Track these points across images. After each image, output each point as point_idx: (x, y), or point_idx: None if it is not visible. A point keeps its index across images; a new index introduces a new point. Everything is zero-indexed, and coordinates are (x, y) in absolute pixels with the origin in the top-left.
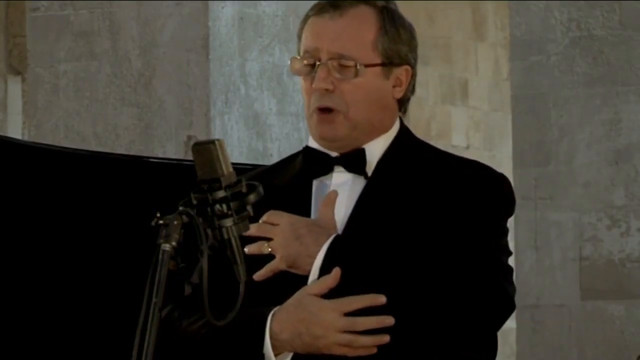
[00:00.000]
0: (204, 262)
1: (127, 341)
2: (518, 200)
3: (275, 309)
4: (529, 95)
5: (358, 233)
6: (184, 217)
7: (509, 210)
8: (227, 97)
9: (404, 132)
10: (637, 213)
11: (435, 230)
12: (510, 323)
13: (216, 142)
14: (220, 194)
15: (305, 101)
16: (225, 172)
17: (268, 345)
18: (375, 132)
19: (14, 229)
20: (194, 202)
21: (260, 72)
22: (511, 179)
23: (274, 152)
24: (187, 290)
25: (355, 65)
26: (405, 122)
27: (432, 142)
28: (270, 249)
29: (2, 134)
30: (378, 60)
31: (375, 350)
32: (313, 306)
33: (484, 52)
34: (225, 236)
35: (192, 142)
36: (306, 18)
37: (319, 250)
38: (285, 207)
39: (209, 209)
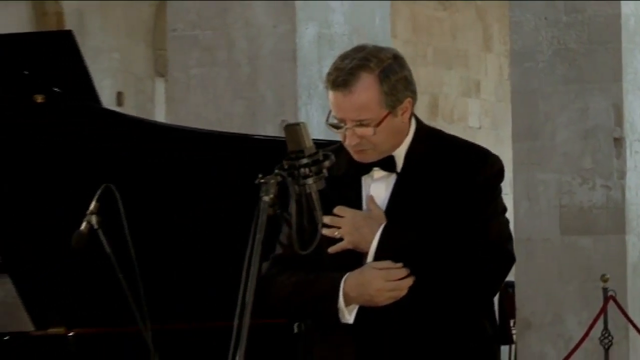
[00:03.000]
0: (293, 208)
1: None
2: (516, 166)
3: (347, 275)
4: (523, 91)
5: (396, 217)
6: (278, 177)
7: (500, 178)
8: (309, 92)
9: (418, 129)
10: (601, 174)
11: (449, 203)
12: None
13: (301, 124)
14: (304, 161)
15: (340, 136)
16: (307, 145)
17: (341, 299)
18: (399, 142)
19: (162, 190)
20: (285, 166)
21: None
22: (511, 150)
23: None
24: (284, 231)
25: (377, 124)
26: (435, 111)
27: (454, 125)
28: (339, 235)
29: (151, 119)
30: (386, 112)
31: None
32: (369, 275)
33: (491, 60)
34: (307, 190)
35: (284, 125)
36: (327, 84)
37: (373, 238)
38: (343, 195)
39: (295, 172)
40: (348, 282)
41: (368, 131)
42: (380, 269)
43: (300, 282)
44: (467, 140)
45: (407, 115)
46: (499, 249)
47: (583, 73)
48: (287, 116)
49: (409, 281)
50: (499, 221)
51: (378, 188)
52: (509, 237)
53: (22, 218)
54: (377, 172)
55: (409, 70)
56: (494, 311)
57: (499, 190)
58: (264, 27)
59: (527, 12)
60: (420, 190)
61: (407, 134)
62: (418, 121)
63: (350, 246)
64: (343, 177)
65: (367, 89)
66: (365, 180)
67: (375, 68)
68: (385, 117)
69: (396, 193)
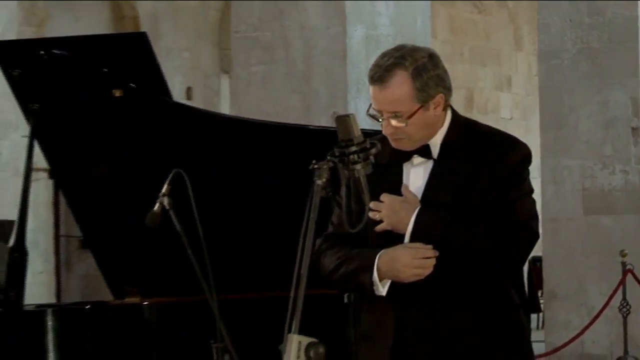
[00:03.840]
0: (343, 191)
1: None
2: (543, 153)
3: (381, 252)
4: (550, 86)
5: (431, 200)
6: (330, 163)
7: (526, 162)
8: (357, 87)
9: (454, 120)
10: (620, 160)
11: (479, 185)
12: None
13: (350, 115)
14: (353, 148)
15: (380, 126)
16: (356, 134)
17: (375, 274)
18: (433, 133)
19: (226, 174)
20: (336, 153)
21: None
22: (539, 139)
23: None
24: (335, 212)
25: (409, 116)
26: (471, 104)
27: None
28: (379, 217)
29: (216, 111)
30: (417, 106)
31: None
32: (399, 252)
33: (521, 58)
34: (356, 175)
35: (335, 116)
36: (368, 79)
37: (409, 220)
38: (387, 180)
39: (345, 158)
40: (382, 258)
41: (401, 123)
42: (411, 247)
43: (343, 256)
44: (498, 129)
45: (439, 109)
46: (524, 226)
47: (604, 69)
48: (338, 109)
49: (433, 261)
50: (525, 201)
51: (416, 173)
52: (534, 216)
53: (102, 200)
54: (416, 159)
55: (443, 69)
56: (522, 283)
57: (526, 173)
58: (317, 29)
59: (554, 15)
60: (453, 174)
61: (442, 125)
62: (454, 112)
63: (389, 227)
64: (387, 164)
65: (400, 84)
66: (406, 166)
67: (409, 66)
68: (417, 110)
69: (432, 177)
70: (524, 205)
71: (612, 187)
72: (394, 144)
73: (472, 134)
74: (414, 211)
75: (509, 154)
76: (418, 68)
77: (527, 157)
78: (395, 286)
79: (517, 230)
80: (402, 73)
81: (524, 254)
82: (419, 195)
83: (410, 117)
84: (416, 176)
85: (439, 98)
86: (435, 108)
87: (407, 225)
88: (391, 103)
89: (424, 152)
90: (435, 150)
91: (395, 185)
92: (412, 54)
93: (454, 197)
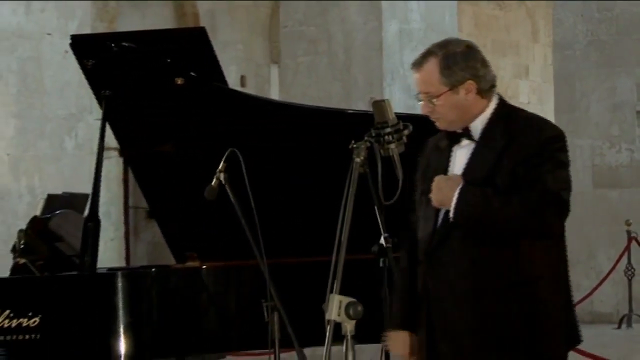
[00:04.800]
0: (379, 167)
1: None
2: None
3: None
4: (563, 74)
5: (471, 176)
6: (367, 143)
7: (557, 140)
8: (392, 76)
9: (499, 107)
10: (625, 140)
11: (510, 162)
12: None
13: (386, 100)
14: (388, 130)
15: None
16: (390, 117)
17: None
18: (472, 117)
19: (276, 152)
20: (373, 134)
21: (411, 62)
22: (553, 121)
23: (418, 108)
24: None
25: (436, 96)
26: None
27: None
28: (430, 196)
29: (267, 97)
30: (445, 89)
31: None
32: (439, 178)
33: (538, 49)
34: (390, 153)
35: (372, 101)
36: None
37: (453, 195)
38: (441, 160)
39: (381, 139)
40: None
41: (430, 103)
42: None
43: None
44: (536, 115)
45: (471, 95)
46: (553, 195)
47: (612, 59)
48: (375, 95)
49: (449, 195)
50: (556, 174)
51: (462, 154)
52: (564, 187)
53: (166, 175)
54: (463, 142)
55: (477, 60)
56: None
57: (556, 149)
58: (356, 24)
59: (567, 11)
60: (488, 154)
61: (483, 111)
62: (501, 101)
63: (437, 204)
64: (444, 147)
65: (429, 69)
66: (454, 149)
67: (440, 54)
68: (444, 93)
69: (471, 157)
70: (554, 177)
71: (619, 164)
72: (436, 124)
73: (511, 119)
74: (457, 187)
75: (537, 132)
76: (447, 56)
77: (557, 136)
78: (426, 282)
79: (547, 199)
80: (433, 59)
81: (553, 221)
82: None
83: (437, 97)
84: (461, 157)
85: (469, 85)
86: (467, 93)
87: (451, 200)
88: (423, 84)
89: (467, 135)
90: (476, 134)
91: (445, 166)
92: (447, 45)
93: (489, 173)
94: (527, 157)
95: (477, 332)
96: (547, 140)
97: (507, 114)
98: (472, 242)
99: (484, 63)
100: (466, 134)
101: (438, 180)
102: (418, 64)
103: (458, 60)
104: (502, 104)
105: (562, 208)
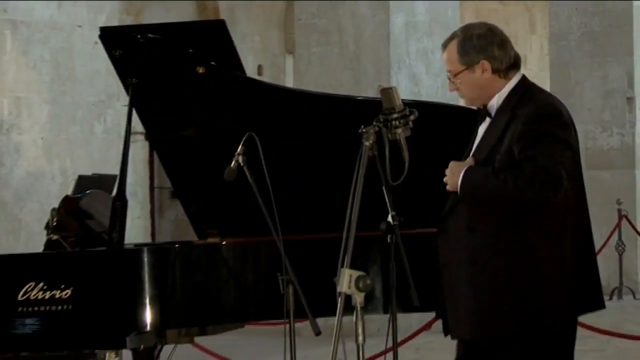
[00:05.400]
0: (387, 150)
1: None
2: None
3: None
4: (559, 63)
5: (478, 154)
6: (376, 127)
7: (547, 118)
8: (399, 65)
9: (517, 86)
10: (616, 124)
11: (507, 142)
12: None
13: (393, 88)
14: (395, 115)
15: None
16: (397, 104)
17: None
18: (490, 95)
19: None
20: (381, 119)
21: (416, 52)
22: None
23: (423, 95)
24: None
25: (455, 74)
26: None
27: None
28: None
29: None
30: (463, 68)
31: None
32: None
33: (535, 40)
34: (398, 137)
35: (380, 89)
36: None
37: (459, 177)
38: (473, 137)
39: (389, 123)
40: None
41: (454, 79)
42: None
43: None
44: (545, 95)
45: (487, 73)
46: (544, 170)
47: (604, 49)
48: (383, 82)
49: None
50: (547, 150)
51: (481, 131)
52: (556, 162)
53: (189, 157)
54: (486, 121)
55: (494, 42)
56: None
57: (551, 125)
58: (366, 16)
59: (563, 4)
60: (492, 134)
61: (500, 90)
62: (521, 81)
63: (450, 188)
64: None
65: (451, 49)
66: (480, 125)
67: (461, 36)
68: (462, 71)
69: (482, 135)
70: (545, 154)
71: (610, 147)
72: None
73: (522, 98)
74: (463, 170)
75: (534, 110)
76: (465, 38)
77: (544, 114)
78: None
79: (539, 174)
80: (454, 41)
81: (546, 195)
82: None
83: (456, 75)
84: (480, 134)
85: (484, 64)
86: (483, 72)
87: (458, 182)
88: (446, 63)
89: (485, 113)
90: (492, 111)
91: (472, 143)
92: (467, 29)
93: (490, 152)
94: (521, 135)
95: (470, 300)
96: (533, 120)
97: (522, 93)
98: (473, 215)
99: (502, 45)
100: (485, 111)
101: (451, 165)
102: (444, 46)
103: (474, 42)
104: (522, 83)
105: (555, 182)
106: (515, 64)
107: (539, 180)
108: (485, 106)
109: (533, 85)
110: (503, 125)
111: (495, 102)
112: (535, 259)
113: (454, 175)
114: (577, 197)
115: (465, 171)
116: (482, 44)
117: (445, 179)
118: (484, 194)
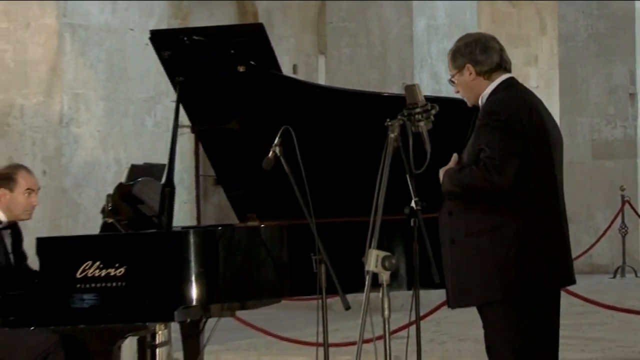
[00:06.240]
0: (410, 142)
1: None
2: (561, 112)
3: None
4: (567, 62)
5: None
6: (400, 121)
7: (489, 116)
8: (421, 64)
9: (497, 87)
10: (620, 118)
11: (470, 140)
12: None
13: (416, 85)
14: (417, 110)
15: None
16: (420, 99)
17: None
18: (477, 95)
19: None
20: (405, 113)
21: (437, 52)
22: (558, 102)
23: (443, 91)
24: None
25: (452, 77)
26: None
27: None
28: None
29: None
30: (455, 71)
31: None
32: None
33: (545, 41)
34: (420, 130)
35: (404, 86)
36: None
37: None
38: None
39: (412, 117)
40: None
41: (453, 83)
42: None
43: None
44: (502, 93)
45: (472, 75)
46: (490, 162)
47: (608, 49)
48: (407, 80)
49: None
50: (489, 144)
51: None
52: (497, 154)
53: (230, 148)
54: None
55: (477, 49)
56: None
57: (491, 120)
58: (391, 20)
59: (571, 8)
60: (472, 132)
61: (483, 91)
62: (503, 81)
63: (443, 189)
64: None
65: (449, 57)
66: None
67: (454, 47)
68: (455, 74)
69: (469, 133)
70: (488, 145)
71: (614, 139)
72: None
73: (490, 97)
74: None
75: (482, 110)
76: (457, 48)
77: (491, 112)
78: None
79: (486, 163)
80: (451, 51)
81: (493, 178)
82: None
83: (452, 77)
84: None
85: (468, 67)
86: (470, 75)
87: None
88: (448, 68)
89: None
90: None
91: None
92: (460, 40)
93: (468, 150)
94: (475, 131)
95: (452, 276)
96: (482, 117)
97: (489, 93)
98: (452, 201)
99: (484, 51)
100: (477, 109)
101: (441, 170)
102: (448, 54)
103: (462, 50)
104: (503, 84)
105: (500, 168)
106: (499, 66)
107: (487, 169)
108: (475, 105)
109: (512, 85)
110: (474, 126)
111: (480, 101)
112: (500, 238)
113: (441, 173)
114: (546, 181)
115: (444, 173)
116: (467, 51)
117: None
118: (454, 188)
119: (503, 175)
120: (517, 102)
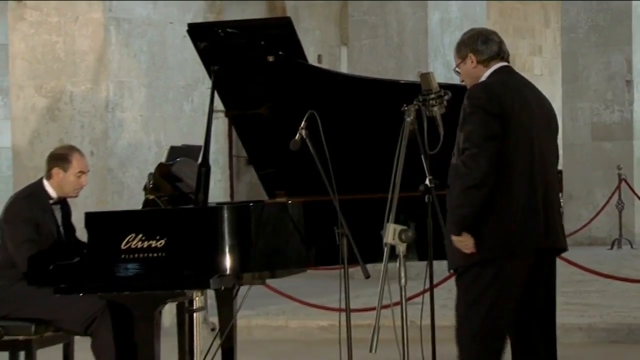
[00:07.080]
0: (425, 125)
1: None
2: (564, 98)
3: None
4: (569, 52)
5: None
6: (416, 106)
7: (469, 100)
8: (434, 54)
9: (492, 74)
10: (617, 103)
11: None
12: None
13: (430, 73)
14: (432, 96)
15: None
16: (434, 86)
17: None
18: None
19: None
20: (420, 99)
21: (449, 43)
22: (561, 89)
23: (455, 79)
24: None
25: (456, 67)
26: (513, 65)
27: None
28: None
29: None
30: (459, 61)
31: None
32: None
33: (549, 33)
34: (434, 114)
35: (419, 74)
36: None
37: None
38: None
39: (427, 102)
40: None
41: (458, 71)
42: None
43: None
44: (485, 80)
45: (474, 64)
46: (469, 151)
47: (607, 40)
48: (422, 69)
49: None
50: (467, 133)
51: None
52: (474, 143)
53: (261, 131)
54: None
55: (478, 39)
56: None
57: (469, 108)
58: (407, 13)
59: (572, 2)
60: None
61: (482, 77)
62: (497, 69)
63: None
64: None
65: (454, 50)
66: None
67: (459, 40)
68: (459, 63)
69: None
70: (466, 137)
71: (612, 122)
72: None
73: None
74: None
75: (465, 95)
76: (461, 41)
77: (468, 96)
78: None
79: (467, 156)
80: (457, 42)
81: (477, 168)
82: None
83: (457, 66)
84: None
85: (470, 57)
86: (471, 63)
87: None
88: (454, 59)
89: None
90: None
91: None
92: (464, 35)
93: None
94: (461, 119)
95: (446, 240)
96: (466, 99)
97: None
98: (449, 175)
99: (485, 42)
100: None
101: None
102: (454, 47)
103: (465, 40)
104: (496, 71)
105: (479, 158)
106: (497, 55)
107: (466, 165)
108: None
109: (503, 72)
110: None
111: None
112: (482, 207)
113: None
114: (530, 159)
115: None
116: (470, 41)
117: None
118: (460, 214)
119: (480, 166)
120: (497, 85)
